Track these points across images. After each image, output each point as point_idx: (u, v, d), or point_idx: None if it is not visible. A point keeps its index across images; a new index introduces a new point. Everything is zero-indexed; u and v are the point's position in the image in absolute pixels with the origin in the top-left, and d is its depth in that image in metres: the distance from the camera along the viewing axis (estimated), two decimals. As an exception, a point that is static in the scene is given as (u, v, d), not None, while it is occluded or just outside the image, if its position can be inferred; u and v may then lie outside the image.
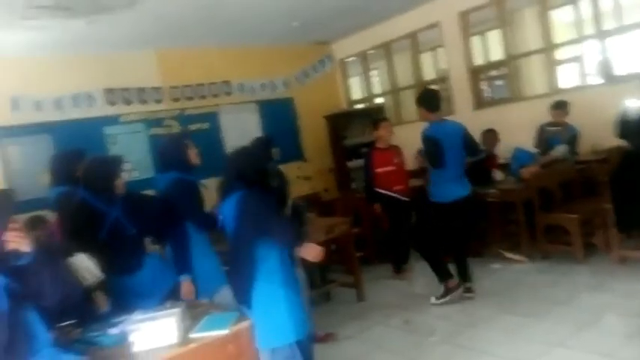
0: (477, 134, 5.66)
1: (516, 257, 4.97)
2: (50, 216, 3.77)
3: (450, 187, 4.18)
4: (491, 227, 5.41)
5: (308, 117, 7.54)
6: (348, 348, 3.74)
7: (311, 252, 2.51)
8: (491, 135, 5.41)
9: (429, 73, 7.53)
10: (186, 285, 2.99)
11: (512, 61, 6.20)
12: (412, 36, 6.97)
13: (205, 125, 6.79)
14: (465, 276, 4.33)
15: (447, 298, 4.22)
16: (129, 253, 2.83)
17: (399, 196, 5.10)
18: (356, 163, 6.88)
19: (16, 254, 1.87)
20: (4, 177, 5.29)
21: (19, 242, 1.86)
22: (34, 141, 5.52)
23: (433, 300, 4.27)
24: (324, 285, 4.77)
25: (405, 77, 7.52)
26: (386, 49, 7.40)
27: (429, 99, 4.29)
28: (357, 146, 6.98)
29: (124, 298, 2.65)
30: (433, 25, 6.66)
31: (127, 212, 2.84)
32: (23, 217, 2.82)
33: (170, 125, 6.50)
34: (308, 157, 7.58)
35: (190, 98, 6.69)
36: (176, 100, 6.57)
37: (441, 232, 4.29)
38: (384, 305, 4.48)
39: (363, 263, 5.14)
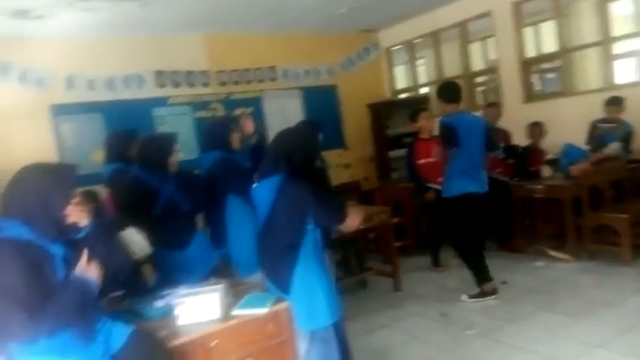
0: (525, 128, 5.55)
1: (561, 256, 4.84)
2: (102, 191, 3.92)
3: (463, 181, 4.11)
4: (536, 224, 5.28)
5: (351, 105, 7.51)
6: (383, 336, 3.75)
7: (355, 217, 2.52)
8: (537, 128, 5.26)
9: (477, 64, 7.36)
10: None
11: (566, 53, 5.97)
12: (462, 25, 6.81)
13: (249, 110, 6.85)
14: (485, 277, 4.22)
15: (479, 300, 4.13)
16: (181, 229, 2.93)
17: (440, 188, 5.03)
18: (397, 153, 6.83)
19: (75, 227, 1.97)
20: (58, 153, 5.51)
21: (79, 216, 1.95)
22: (86, 119, 5.72)
23: (464, 298, 4.20)
24: (361, 272, 4.78)
25: (452, 67, 7.37)
26: (434, 38, 7.27)
27: (447, 91, 4.26)
28: (399, 136, 6.92)
29: (171, 273, 2.74)
30: (484, 15, 6.49)
31: (180, 189, 2.94)
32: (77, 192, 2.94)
33: (215, 109, 6.60)
34: (349, 145, 7.56)
35: (236, 83, 6.77)
36: (222, 84, 6.67)
37: (460, 227, 4.24)
38: (420, 296, 4.46)
39: (402, 253, 5.11)
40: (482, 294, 4.15)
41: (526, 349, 3.26)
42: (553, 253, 4.93)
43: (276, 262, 2.45)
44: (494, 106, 5.59)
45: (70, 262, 1.92)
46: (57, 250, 1.90)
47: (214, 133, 3.46)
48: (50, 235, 1.89)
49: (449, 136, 4.07)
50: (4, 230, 1.86)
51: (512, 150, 5.35)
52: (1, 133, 5.20)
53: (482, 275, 4.19)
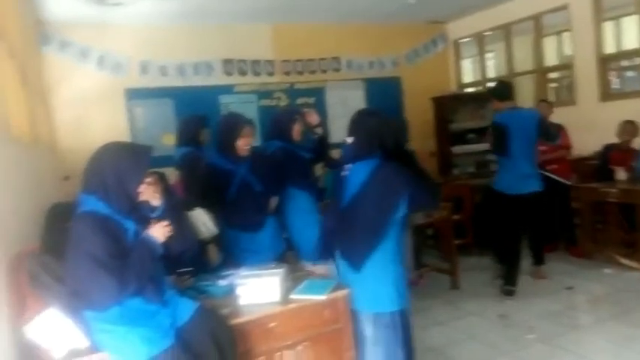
0: (599, 127, 5.27)
1: (633, 264, 4.58)
2: (172, 174, 4.08)
3: (514, 180, 4.13)
4: (607, 229, 5.01)
5: (414, 98, 7.38)
6: (439, 334, 3.69)
7: None
8: (630, 126, 4.96)
9: (550, 59, 7.03)
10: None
11: (649, 50, 5.60)
12: (536, 18, 6.52)
13: (311, 100, 6.90)
14: (510, 279, 4.21)
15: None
16: (255, 212, 3.01)
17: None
18: (461, 148, 6.68)
19: (148, 205, 2.07)
20: (130, 135, 5.79)
21: (151, 195, 2.05)
22: (157, 104, 5.97)
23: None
24: (418, 268, 4.72)
25: (523, 62, 7.09)
26: (505, 31, 7.01)
27: (499, 89, 4.41)
28: (463, 131, 6.75)
29: (238, 254, 2.83)
30: (561, 8, 6.17)
31: (253, 171, 3.02)
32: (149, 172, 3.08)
33: (279, 98, 6.70)
34: (410, 138, 7.43)
35: (300, 72, 6.83)
36: (287, 73, 6.74)
37: (501, 225, 4.26)
38: (478, 296, 4.35)
39: (461, 251, 5.01)
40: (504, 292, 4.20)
41: (588, 358, 3.12)
42: (624, 260, 4.67)
43: (355, 239, 2.41)
44: (544, 103, 5.40)
45: None
46: (130, 225, 2.01)
47: (277, 123, 3.52)
48: (124, 210, 2.00)
49: (499, 141, 4.15)
50: (85, 204, 1.98)
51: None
52: (80, 115, 5.52)
53: (512, 279, 4.21)
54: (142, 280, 1.93)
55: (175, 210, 2.15)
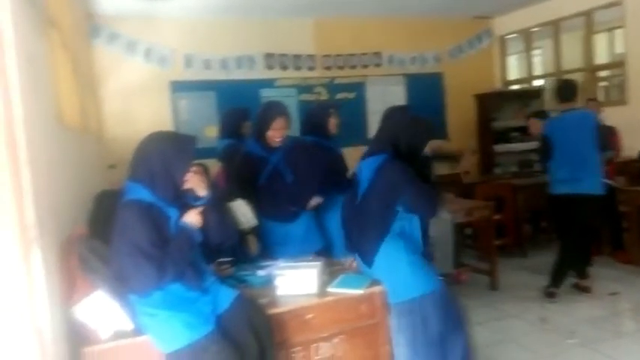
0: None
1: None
2: (214, 165, 4.16)
3: (565, 182, 4.04)
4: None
5: (457, 94, 7.27)
6: (478, 334, 3.59)
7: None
8: None
9: (601, 57, 6.78)
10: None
11: None
12: (587, 14, 6.29)
13: (352, 95, 6.90)
14: (556, 280, 4.14)
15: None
16: (286, 201, 3.00)
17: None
18: (504, 147, 6.53)
19: (192, 194, 2.12)
20: (174, 126, 5.93)
21: (197, 184, 2.10)
22: (200, 96, 6.09)
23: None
24: (456, 268, 4.65)
25: (571, 60, 6.86)
26: (554, 27, 6.79)
27: (562, 88, 4.29)
28: (506, 130, 6.61)
29: (274, 246, 2.86)
30: (614, 4, 5.94)
31: (288, 162, 3.02)
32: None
33: (319, 92, 6.71)
34: (451, 136, 7.34)
35: (341, 67, 6.82)
36: (328, 68, 6.75)
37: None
38: (518, 298, 4.25)
39: (500, 252, 4.90)
40: (548, 294, 4.13)
41: (633, 366, 3.01)
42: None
43: (364, 235, 2.46)
44: (593, 102, 5.19)
45: None
46: (173, 213, 2.07)
47: (312, 118, 3.53)
48: (168, 197, 2.05)
49: (543, 150, 4.19)
50: (131, 193, 2.04)
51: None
52: (127, 105, 5.70)
53: (559, 279, 4.16)
54: (180, 266, 1.98)
55: (217, 200, 2.20)
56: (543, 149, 4.17)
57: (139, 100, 5.78)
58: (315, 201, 3.13)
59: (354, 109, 6.68)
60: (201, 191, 2.11)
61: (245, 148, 3.13)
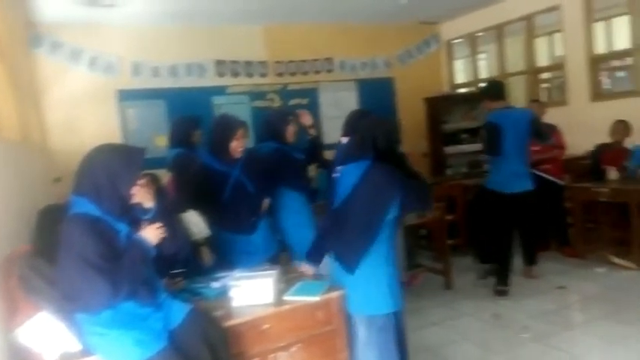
0: (591, 127, 5.30)
1: (624, 263, 4.61)
2: (164, 175, 4.06)
3: (509, 179, 4.13)
4: (599, 228, 5.05)
5: (407, 98, 7.39)
6: (433, 334, 3.70)
7: None
8: (622, 126, 4.99)
9: (542, 60, 7.08)
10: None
11: (639, 51, 5.64)
12: (528, 18, 6.55)
13: (305, 101, 6.90)
14: (503, 280, 4.25)
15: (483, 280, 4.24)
16: (249, 214, 3.00)
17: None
18: (454, 148, 6.69)
19: (140, 207, 2.05)
20: (122, 136, 5.76)
21: (144, 197, 2.04)
22: (149, 105, 5.94)
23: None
24: (411, 269, 4.73)
25: (515, 63, 7.12)
26: (497, 31, 7.04)
27: (491, 88, 4.42)
28: (456, 132, 6.77)
29: (231, 256, 2.82)
30: (553, 8, 6.21)
31: (247, 173, 3.01)
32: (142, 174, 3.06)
33: (272, 99, 6.69)
34: (403, 139, 7.44)
35: (293, 74, 6.82)
36: (280, 74, 6.74)
37: (493, 225, 4.26)
38: (472, 296, 4.36)
39: (454, 252, 5.02)
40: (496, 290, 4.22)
41: (581, 357, 3.13)
42: (616, 260, 4.70)
43: (348, 241, 2.40)
44: (536, 102, 5.44)
45: None
46: (122, 228, 2.00)
47: (271, 125, 3.52)
48: (115, 212, 1.98)
49: (491, 141, 4.13)
50: (77, 207, 1.96)
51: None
52: (71, 117, 5.49)
53: (504, 278, 4.24)
54: (135, 283, 1.92)
55: (167, 211, 2.14)
56: (492, 137, 4.12)
57: (84, 110, 5.58)
58: (266, 203, 3.15)
59: (307, 115, 6.67)
60: (149, 203, 2.06)
61: (201, 161, 3.09)
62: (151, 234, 2.00)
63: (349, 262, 2.38)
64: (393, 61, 7.43)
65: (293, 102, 6.78)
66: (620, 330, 3.42)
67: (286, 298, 2.36)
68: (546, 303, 4.02)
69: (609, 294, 4.09)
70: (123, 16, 5.33)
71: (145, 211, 2.06)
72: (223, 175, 2.97)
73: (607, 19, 7.03)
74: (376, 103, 7.09)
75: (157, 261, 2.11)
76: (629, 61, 6.11)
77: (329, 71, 7.06)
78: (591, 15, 5.93)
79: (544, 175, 4.93)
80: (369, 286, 2.38)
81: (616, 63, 7.13)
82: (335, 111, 6.85)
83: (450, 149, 6.76)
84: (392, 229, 2.44)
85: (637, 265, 4.51)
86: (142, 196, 2.04)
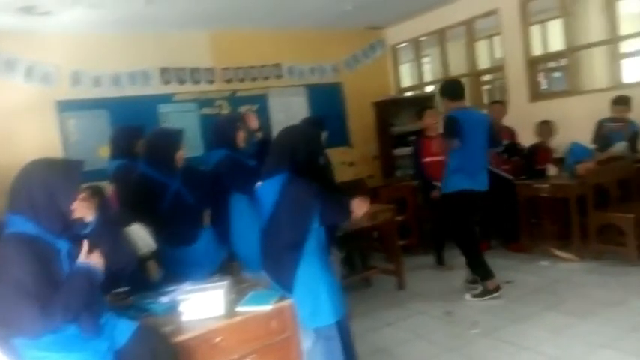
0: (530, 126, 5.52)
1: (566, 255, 4.83)
2: (107, 187, 3.93)
3: (461, 178, 4.11)
4: (541, 223, 5.26)
5: (356, 102, 7.49)
6: (388, 334, 3.75)
7: (358, 205, 2.47)
8: (546, 126, 5.24)
9: (483, 62, 7.34)
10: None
11: (572, 52, 5.94)
12: (468, 23, 6.78)
13: (254, 107, 6.85)
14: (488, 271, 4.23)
15: (484, 299, 4.11)
16: (188, 225, 2.95)
17: None
18: (403, 151, 6.82)
19: (81, 223, 1.97)
20: (63, 149, 5.53)
21: (85, 212, 1.96)
22: (92, 115, 5.73)
23: (468, 297, 4.19)
24: (365, 271, 4.78)
25: (458, 66, 7.35)
26: (440, 36, 7.24)
27: (450, 87, 4.33)
28: (404, 134, 6.90)
29: (177, 269, 2.75)
30: (491, 13, 6.46)
31: (187, 184, 2.96)
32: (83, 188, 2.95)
33: (220, 106, 6.61)
34: (354, 143, 7.55)
35: (241, 80, 6.77)
36: (228, 81, 6.66)
37: (457, 224, 4.26)
38: (424, 295, 4.45)
39: (406, 252, 5.11)
40: (486, 292, 4.14)
41: (531, 349, 3.24)
42: (558, 252, 4.92)
43: (278, 261, 2.44)
44: (498, 104, 5.60)
45: (76, 257, 1.93)
46: (63, 245, 1.92)
47: (220, 132, 3.47)
48: (55, 230, 1.90)
49: (453, 127, 4.03)
50: (12, 225, 1.87)
51: (513, 148, 5.34)
52: (7, 129, 5.22)
53: (484, 273, 4.18)
54: (74, 310, 1.82)
55: (110, 225, 2.07)
56: (455, 126, 4.02)
57: (21, 122, 5.32)
58: (207, 214, 3.13)
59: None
60: (90, 218, 1.98)
61: (140, 171, 3.00)
62: (95, 259, 1.91)
63: (284, 281, 2.40)
64: (340, 67, 7.51)
65: (242, 108, 6.71)
66: (564, 320, 3.57)
67: (238, 308, 2.33)
68: (495, 297, 4.14)
69: (553, 286, 4.27)
70: (60, 24, 5.13)
71: (86, 225, 1.98)
72: (162, 186, 2.91)
73: (542, 22, 7.36)
74: (326, 107, 7.15)
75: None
76: (563, 62, 6.42)
77: (278, 77, 7.06)
78: (527, 19, 6.20)
79: (498, 171, 5.07)
80: (311, 299, 2.39)
81: (552, 64, 7.48)
82: (285, 116, 6.85)
83: (399, 151, 6.89)
84: (321, 239, 2.47)
85: (577, 256, 4.73)
86: (82, 210, 1.96)
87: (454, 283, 4.62)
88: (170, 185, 2.94)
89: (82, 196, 1.97)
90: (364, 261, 4.83)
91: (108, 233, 2.01)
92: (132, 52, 5.94)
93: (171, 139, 3.01)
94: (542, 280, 4.44)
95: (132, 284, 2.48)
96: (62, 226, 1.92)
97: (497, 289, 4.14)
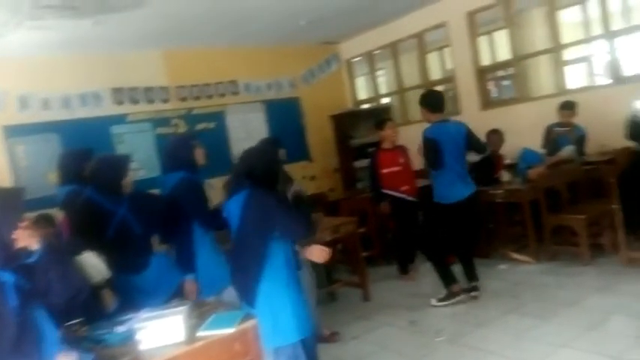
0: (482, 135, 5.65)
1: (523, 258, 4.96)
2: (58, 214, 3.79)
3: (453, 188, 4.18)
4: (498, 228, 5.39)
5: (314, 117, 7.54)
6: (354, 348, 3.73)
7: (316, 253, 2.51)
8: (496, 136, 5.39)
9: (435, 73, 7.53)
10: (188, 284, 3.06)
11: (519, 61, 6.17)
12: (419, 36, 6.95)
13: (212, 125, 6.81)
14: (471, 276, 4.33)
15: (449, 302, 4.19)
16: (136, 252, 2.87)
17: (405, 197, 5.09)
18: (362, 162, 6.86)
19: (26, 252, 1.88)
20: (11, 175, 5.31)
21: (28, 240, 1.87)
22: (41, 140, 5.54)
23: (434, 302, 4.25)
24: (330, 285, 4.76)
25: (411, 77, 7.50)
26: (392, 49, 7.39)
27: (432, 99, 4.29)
28: (363, 146, 6.97)
29: (131, 297, 2.67)
30: (440, 25, 6.64)
31: (134, 211, 2.88)
32: (31, 216, 2.83)
33: (177, 125, 6.52)
34: (314, 156, 7.58)
35: (197, 98, 6.70)
36: (183, 99, 6.59)
37: (446, 233, 4.28)
38: (389, 305, 4.47)
39: (369, 263, 5.13)
40: (451, 295, 4.20)
41: (495, 352, 3.29)
42: (515, 255, 5.04)
43: (243, 274, 2.43)
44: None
45: (22, 289, 1.84)
46: (7, 278, 1.82)
47: (175, 152, 3.34)
48: None
49: (433, 156, 4.07)
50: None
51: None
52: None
53: (449, 276, 4.26)
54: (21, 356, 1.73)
55: (57, 253, 1.98)
56: (433, 152, 4.06)
57: (-35, 150, 5.10)
58: (155, 240, 3.08)
59: (215, 139, 6.57)
60: (34, 246, 1.89)
61: (87, 197, 2.90)
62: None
63: (247, 294, 2.37)
64: (297, 82, 7.55)
65: (200, 126, 6.67)
66: (526, 322, 3.64)
67: (200, 333, 2.26)
68: (458, 304, 4.19)
69: (513, 289, 4.36)
70: (4, 46, 4.95)
71: (30, 254, 1.89)
72: (108, 213, 2.82)
73: (489, 33, 7.60)
74: (284, 123, 7.17)
75: (51, 310, 1.94)
76: (511, 70, 6.64)
77: (234, 94, 7.03)
78: (475, 30, 6.41)
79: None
80: (271, 316, 2.37)
81: (501, 73, 7.73)
82: (244, 133, 6.84)
83: (359, 163, 6.94)
84: (288, 254, 2.46)
85: (534, 258, 4.86)
86: (25, 239, 1.86)
87: (417, 291, 4.67)
88: (116, 212, 2.84)
89: (24, 224, 1.88)
90: (329, 275, 4.81)
91: (55, 262, 1.92)
92: (82, 73, 5.80)
93: (118, 164, 2.92)
94: (502, 283, 4.53)
95: (86, 315, 2.37)
96: (4, 257, 1.83)
97: (461, 291, 4.22)
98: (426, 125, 4.25)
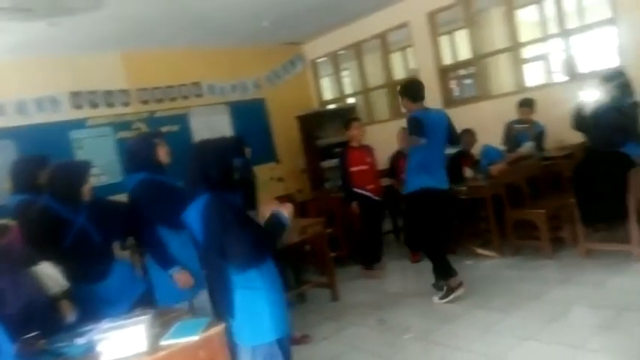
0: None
1: (487, 253, 5.05)
2: (11, 224, 3.64)
3: (422, 177, 4.11)
4: (463, 224, 5.48)
5: (280, 118, 7.51)
6: (324, 349, 3.73)
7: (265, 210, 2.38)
8: (468, 135, 5.47)
9: (399, 73, 7.61)
10: (178, 276, 2.98)
11: (479, 60, 6.29)
12: (382, 36, 7.01)
13: (175, 127, 6.70)
14: (450, 270, 4.24)
15: (451, 297, 4.13)
16: (95, 261, 2.78)
17: (371, 195, 5.13)
18: (329, 163, 6.89)
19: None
20: (-36, 185, 5.09)
21: None
22: (-5, 147, 5.33)
23: (436, 300, 4.18)
24: (299, 286, 4.75)
25: (375, 77, 7.56)
26: (356, 49, 7.43)
27: (412, 89, 4.26)
28: (330, 146, 6.99)
29: (91, 307, 2.59)
30: (402, 25, 6.72)
31: (94, 219, 2.79)
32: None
33: (139, 128, 6.39)
34: (281, 158, 7.55)
35: (160, 100, 6.59)
36: (145, 102, 6.46)
37: (425, 225, 4.22)
38: (358, 305, 4.48)
39: (337, 263, 5.14)
40: (450, 290, 4.15)
41: (463, 348, 3.34)
42: (480, 251, 5.14)
43: (215, 287, 2.36)
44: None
45: None
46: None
47: (136, 152, 3.19)
48: None
49: (418, 127, 3.98)
50: None
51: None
52: None
53: (447, 270, 4.19)
54: None
55: (9, 264, 1.91)
56: (418, 126, 3.97)
57: None
58: (115, 247, 2.99)
59: (179, 142, 6.41)
60: None
61: (43, 205, 2.79)
62: None
63: (221, 305, 2.32)
64: (262, 82, 7.51)
65: (163, 129, 6.50)
66: (492, 316, 3.70)
67: (163, 342, 2.21)
68: (425, 301, 4.23)
69: (479, 284, 4.43)
70: (-48, 50, 4.76)
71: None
72: (65, 222, 2.72)
73: (450, 32, 7.74)
74: (250, 124, 7.12)
75: (5, 322, 1.86)
76: (472, 69, 6.77)
77: (198, 96, 6.94)
78: (436, 30, 6.50)
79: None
80: (249, 316, 2.32)
81: (462, 72, 7.88)
82: (209, 135, 6.69)
83: (326, 163, 6.95)
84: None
85: (498, 253, 4.96)
86: None
87: (385, 289, 4.70)
88: (74, 221, 2.75)
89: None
90: (297, 276, 4.80)
91: (8, 272, 1.85)
92: (37, 76, 5.62)
93: (76, 171, 2.81)
94: (468, 278, 4.56)
95: (43, 327, 2.28)
96: None
97: (460, 285, 4.16)
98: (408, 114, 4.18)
